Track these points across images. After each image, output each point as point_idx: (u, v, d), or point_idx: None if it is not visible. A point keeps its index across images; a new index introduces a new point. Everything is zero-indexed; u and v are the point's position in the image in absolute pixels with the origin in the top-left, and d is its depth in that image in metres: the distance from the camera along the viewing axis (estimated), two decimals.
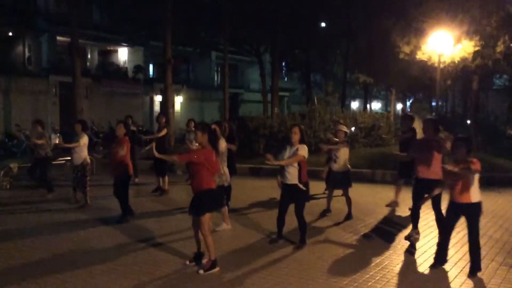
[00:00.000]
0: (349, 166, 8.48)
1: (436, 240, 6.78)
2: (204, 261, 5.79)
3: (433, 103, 32.52)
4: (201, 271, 5.59)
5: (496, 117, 25.63)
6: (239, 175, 11.32)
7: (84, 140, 9.48)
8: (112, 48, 31.11)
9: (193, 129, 11.97)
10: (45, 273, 5.58)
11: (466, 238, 6.95)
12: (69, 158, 9.97)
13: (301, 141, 6.59)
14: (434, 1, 16.73)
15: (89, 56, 29.77)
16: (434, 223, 7.05)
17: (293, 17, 24.08)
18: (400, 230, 7.66)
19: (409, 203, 9.25)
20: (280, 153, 6.70)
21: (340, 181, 8.40)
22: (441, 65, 15.91)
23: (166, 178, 10.91)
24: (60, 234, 7.38)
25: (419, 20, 17.00)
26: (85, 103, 22.46)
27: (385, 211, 9.12)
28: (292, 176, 6.51)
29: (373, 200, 10.06)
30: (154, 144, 7.29)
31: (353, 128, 18.38)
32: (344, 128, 8.60)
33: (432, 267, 5.79)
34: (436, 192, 6.28)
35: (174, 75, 20.25)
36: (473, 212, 5.51)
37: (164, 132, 11.11)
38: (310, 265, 5.93)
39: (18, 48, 26.27)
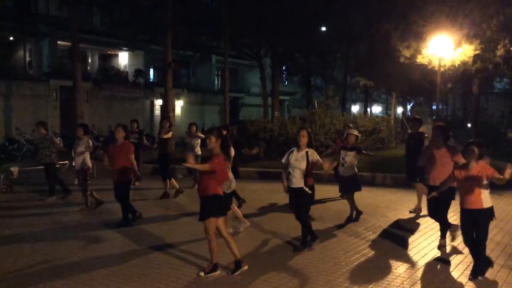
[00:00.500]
0: (356, 170, 8.43)
1: (437, 242, 6.81)
2: (205, 270, 5.69)
3: (434, 107, 32.56)
4: (202, 273, 5.58)
5: (501, 118, 25.56)
6: (250, 178, 11.34)
7: (89, 144, 9.54)
8: (112, 52, 31.20)
9: (198, 134, 11.99)
10: (46, 277, 5.57)
11: None
12: (66, 162, 9.98)
13: (309, 145, 6.56)
14: (434, 5, 16.78)
15: (89, 60, 29.86)
16: (435, 225, 7.06)
17: (293, 21, 24.14)
18: (401, 233, 7.65)
19: (409, 206, 9.33)
20: (286, 156, 6.65)
21: (347, 185, 8.40)
22: (442, 69, 15.94)
23: (167, 182, 10.92)
24: (60, 237, 7.36)
25: (419, 24, 17.04)
26: (86, 107, 22.51)
27: (386, 213, 9.10)
28: (298, 180, 6.48)
29: (373, 203, 10.04)
30: (191, 157, 6.33)
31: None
32: (355, 132, 8.58)
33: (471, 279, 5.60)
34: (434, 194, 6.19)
35: (174, 79, 20.32)
36: (484, 218, 5.48)
37: (169, 134, 11.13)
38: (311, 268, 5.92)
39: (19, 53, 26.35)
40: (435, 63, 16.02)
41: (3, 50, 25.05)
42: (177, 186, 10.91)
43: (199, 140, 11.88)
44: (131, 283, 5.37)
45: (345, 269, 5.88)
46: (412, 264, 6.14)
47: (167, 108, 18.64)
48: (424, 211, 8.33)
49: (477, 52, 16.21)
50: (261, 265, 5.99)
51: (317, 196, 7.19)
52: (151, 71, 33.48)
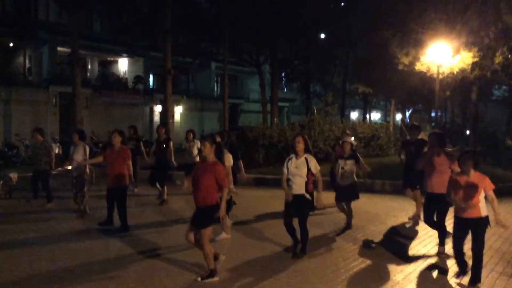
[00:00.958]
0: (355, 178, 8.43)
1: (436, 249, 6.82)
2: (203, 275, 5.70)
3: (433, 114, 32.61)
4: (199, 279, 5.58)
5: (500, 125, 25.65)
6: (246, 185, 11.32)
7: (85, 150, 9.52)
8: (112, 59, 31.26)
9: (195, 141, 11.95)
10: (44, 283, 5.56)
11: (465, 248, 6.97)
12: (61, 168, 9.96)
13: (306, 151, 6.59)
14: (433, 13, 16.87)
15: (89, 67, 29.90)
16: (434, 232, 7.06)
17: (292, 27, 24.24)
18: (400, 240, 7.66)
19: (409, 213, 9.32)
20: (285, 165, 6.63)
21: (346, 193, 8.33)
22: (440, 76, 16.00)
23: (165, 188, 10.90)
24: (58, 244, 7.33)
25: (418, 32, 17.13)
26: (85, 113, 22.53)
27: (385, 220, 9.11)
28: (299, 186, 6.50)
29: (373, 210, 10.05)
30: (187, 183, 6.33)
31: (352, 138, 18.39)
32: (350, 140, 8.58)
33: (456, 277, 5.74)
34: None
35: (174, 86, 20.36)
36: (481, 226, 5.51)
37: (171, 147, 11.14)
38: (310, 274, 5.92)
39: (18, 59, 26.38)
40: (434, 70, 16.09)
41: (3, 56, 25.09)
42: (166, 197, 10.84)
43: (196, 147, 11.87)
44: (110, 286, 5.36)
45: (344, 276, 5.88)
46: (410, 271, 6.14)
47: (166, 115, 18.67)
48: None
49: (475, 59, 16.27)
50: (259, 271, 5.99)
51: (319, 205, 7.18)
52: (151, 77, 33.53)
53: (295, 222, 6.69)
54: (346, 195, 8.34)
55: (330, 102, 19.84)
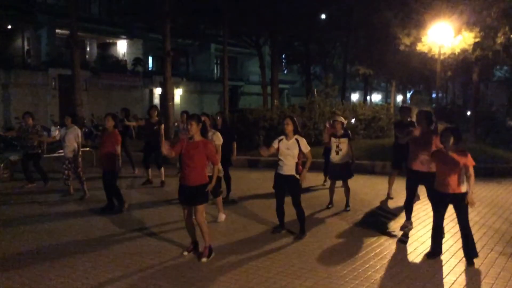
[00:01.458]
0: (350, 157, 8.46)
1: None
2: (201, 248, 5.89)
3: (433, 95, 32.51)
4: (204, 259, 5.68)
5: (501, 106, 25.54)
6: (238, 167, 11.36)
7: (77, 133, 9.60)
8: (111, 41, 31.04)
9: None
10: (37, 260, 5.64)
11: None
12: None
13: (296, 132, 6.65)
14: None
15: (88, 49, 29.71)
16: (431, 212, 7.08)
17: (292, 8, 23.97)
18: (397, 220, 7.68)
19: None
20: (276, 141, 6.71)
21: (340, 172, 8.40)
22: (442, 57, 15.88)
23: (162, 169, 10.93)
24: (58, 224, 7.42)
25: (419, 12, 16.92)
26: (85, 96, 22.47)
27: (385, 202, 9.15)
28: (290, 167, 6.58)
29: (372, 191, 10.07)
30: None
31: (353, 120, 18.36)
32: (341, 119, 8.61)
33: (428, 257, 5.81)
34: None
35: (173, 68, 20.22)
36: (460, 202, 5.60)
37: (162, 128, 11.13)
38: (310, 255, 5.96)
39: (17, 41, 26.21)
40: (435, 51, 15.95)
41: (1, 39, 24.93)
42: (150, 177, 10.95)
43: None
44: (130, 268, 5.41)
45: (344, 256, 5.92)
46: (410, 251, 6.18)
47: (166, 97, 18.55)
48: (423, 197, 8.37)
49: (477, 39, 16.10)
50: (260, 252, 6.03)
51: (308, 183, 7.25)
52: (150, 59, 33.35)
53: (286, 205, 6.83)
54: (340, 173, 8.40)
55: (331, 84, 19.74)
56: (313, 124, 16.64)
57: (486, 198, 9.40)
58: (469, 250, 5.64)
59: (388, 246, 6.35)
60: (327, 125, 10.43)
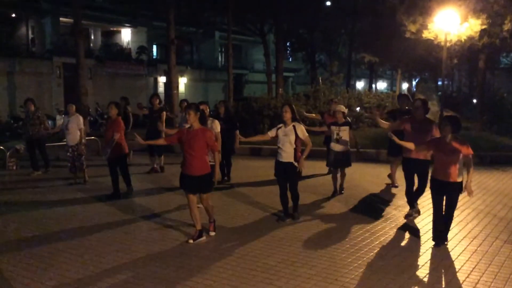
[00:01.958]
0: (350, 145, 8.48)
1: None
2: (210, 229, 6.24)
3: (439, 83, 32.27)
4: (190, 241, 5.96)
5: (508, 93, 25.29)
6: (241, 155, 11.39)
7: (80, 120, 9.80)
8: (115, 29, 30.92)
9: None
10: (43, 243, 5.69)
11: (470, 217, 7.04)
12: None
13: (293, 119, 6.74)
14: None
15: (92, 37, 29.62)
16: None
17: None
18: (402, 209, 7.68)
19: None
20: (274, 130, 6.87)
21: (341, 160, 8.44)
22: (448, 44, 15.71)
23: (162, 157, 11.11)
24: (63, 211, 7.48)
25: None
26: (89, 84, 22.46)
27: (389, 190, 9.15)
28: (289, 154, 6.68)
29: (377, 180, 10.06)
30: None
31: (358, 108, 18.30)
32: (342, 109, 8.60)
33: (435, 246, 5.82)
34: None
35: (177, 56, 20.18)
36: (454, 190, 5.66)
37: (164, 116, 11.14)
38: (314, 243, 5.98)
39: (21, 30, 26.16)
40: (441, 38, 15.79)
41: (6, 27, 24.90)
42: (155, 165, 11.10)
43: None
44: (134, 253, 5.45)
45: (350, 242, 5.93)
46: (413, 238, 6.18)
47: (170, 86, 18.54)
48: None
49: (484, 26, 15.93)
50: (263, 239, 6.06)
51: (309, 171, 7.29)
52: (154, 48, 33.23)
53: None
54: (340, 161, 8.43)
55: (336, 72, 19.67)
56: (318, 113, 16.57)
57: (491, 186, 9.37)
58: (445, 233, 5.84)
59: (392, 235, 6.36)
60: (325, 115, 10.39)
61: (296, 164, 6.67)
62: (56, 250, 5.73)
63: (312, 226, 6.74)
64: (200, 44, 36.01)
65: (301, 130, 6.69)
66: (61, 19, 25.86)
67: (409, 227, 6.68)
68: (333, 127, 8.44)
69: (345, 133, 8.34)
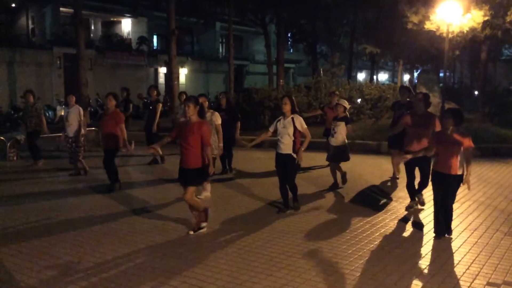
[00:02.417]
0: (346, 140, 8.45)
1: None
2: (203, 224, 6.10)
3: (441, 74, 32.17)
4: (191, 232, 5.94)
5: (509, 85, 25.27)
6: (241, 146, 11.36)
7: (80, 112, 9.76)
8: (115, 19, 30.76)
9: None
10: (38, 234, 5.71)
11: (470, 209, 7.03)
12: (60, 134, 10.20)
13: (293, 111, 6.75)
14: None
15: (92, 28, 29.48)
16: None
17: None
18: (402, 201, 7.69)
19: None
20: (274, 124, 6.90)
21: (337, 155, 8.43)
22: (450, 35, 15.64)
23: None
24: (63, 202, 7.50)
25: None
26: (90, 75, 22.39)
27: (390, 182, 9.14)
28: (287, 146, 6.70)
29: (378, 172, 10.06)
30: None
31: (359, 100, 18.24)
32: (345, 103, 8.57)
33: (435, 238, 5.82)
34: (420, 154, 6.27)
35: (178, 47, 20.09)
36: (453, 183, 5.64)
37: (159, 107, 11.11)
38: (315, 234, 5.98)
39: (21, 20, 26.04)
40: (443, 29, 15.71)
41: (6, 18, 24.79)
42: (156, 156, 10.99)
43: None
44: (128, 246, 5.46)
45: (350, 234, 5.94)
46: (414, 230, 6.18)
47: (171, 76, 18.45)
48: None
49: (486, 18, 15.85)
50: (264, 230, 6.06)
51: (309, 163, 7.31)
52: (155, 38, 33.07)
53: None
54: (336, 155, 8.43)
55: (337, 63, 19.59)
56: (319, 104, 16.54)
57: (492, 178, 9.36)
58: (448, 227, 5.82)
59: (393, 226, 6.36)
60: (326, 108, 10.36)
61: (294, 155, 6.68)
62: (56, 240, 5.74)
63: (312, 217, 6.74)
64: (201, 34, 35.86)
65: (300, 122, 6.70)
66: (61, 9, 25.73)
67: (410, 219, 6.68)
68: (332, 122, 8.50)
69: (340, 128, 8.33)
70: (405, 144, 6.91)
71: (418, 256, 5.29)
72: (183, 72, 30.90)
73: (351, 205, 7.48)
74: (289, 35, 35.88)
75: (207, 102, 7.87)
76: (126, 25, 31.07)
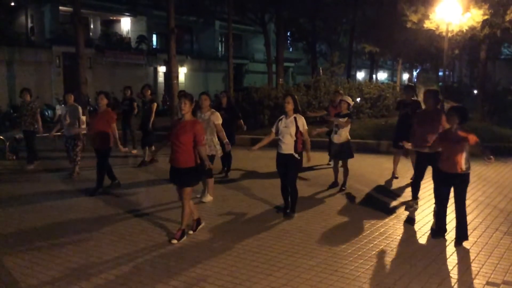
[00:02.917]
0: (348, 137, 8.42)
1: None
2: (176, 236, 5.73)
3: (440, 73, 32.17)
4: (175, 241, 5.62)
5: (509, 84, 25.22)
6: (241, 145, 11.35)
7: (78, 110, 9.70)
8: (114, 18, 30.73)
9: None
10: (44, 240, 5.70)
11: (470, 208, 7.04)
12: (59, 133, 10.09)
13: (295, 110, 6.66)
14: None
15: (91, 26, 29.45)
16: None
17: None
18: (402, 200, 7.69)
19: (411, 174, 9.32)
20: (275, 125, 6.76)
21: (341, 152, 8.37)
22: (449, 34, 15.63)
23: (153, 148, 10.89)
24: (59, 203, 7.49)
25: None
26: (89, 73, 22.37)
27: (389, 181, 9.14)
28: (288, 146, 6.58)
29: (377, 171, 10.06)
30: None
31: (358, 99, 18.24)
32: (348, 100, 8.52)
33: (433, 237, 5.82)
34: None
35: (177, 46, 20.04)
36: (462, 182, 5.56)
37: (154, 106, 11.07)
38: (314, 234, 5.98)
39: (20, 19, 25.99)
40: (443, 28, 15.69)
41: (5, 16, 24.72)
42: (152, 156, 10.82)
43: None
44: (121, 248, 5.45)
45: (348, 235, 5.93)
46: (413, 231, 6.18)
47: (170, 75, 18.43)
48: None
49: (485, 17, 15.83)
50: (265, 231, 6.06)
51: (308, 163, 7.25)
52: (154, 37, 33.04)
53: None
54: (341, 153, 8.35)
55: (336, 62, 19.55)
56: (319, 103, 16.55)
57: (491, 177, 9.37)
58: (463, 232, 5.61)
59: (392, 226, 6.36)
60: (330, 107, 10.34)
61: (296, 155, 6.58)
62: (57, 241, 5.74)
63: (311, 217, 6.74)
64: (200, 33, 35.83)
65: (302, 122, 6.61)
66: (60, 7, 25.69)
67: (414, 220, 6.64)
68: (334, 118, 8.43)
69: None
70: (415, 143, 6.78)
71: (418, 256, 5.28)
72: (182, 71, 30.88)
73: (351, 205, 7.48)
74: (288, 34, 35.87)
75: (209, 101, 7.75)
76: (126, 24, 31.04)
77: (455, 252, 5.39)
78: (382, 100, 19.34)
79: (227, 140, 7.53)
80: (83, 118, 10.48)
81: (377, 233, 6.03)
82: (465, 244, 5.59)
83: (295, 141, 6.56)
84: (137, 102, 12.94)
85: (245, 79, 36.82)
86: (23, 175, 9.81)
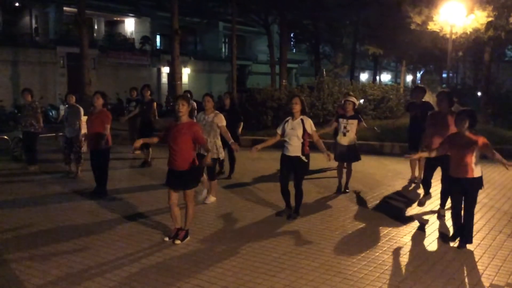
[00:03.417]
0: (356, 139, 8.35)
1: (448, 213, 6.80)
2: (179, 236, 5.71)
3: (444, 75, 32.09)
4: (178, 241, 5.62)
5: None
6: (244, 147, 11.34)
7: (80, 111, 9.64)
8: (118, 19, 30.85)
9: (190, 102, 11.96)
10: (39, 245, 5.70)
11: (479, 213, 7.00)
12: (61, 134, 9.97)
13: (303, 112, 6.56)
14: None
15: (96, 27, 29.57)
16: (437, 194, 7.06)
17: None
18: (406, 202, 7.68)
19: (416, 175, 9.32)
20: (281, 126, 6.66)
21: (349, 154, 8.26)
22: (453, 36, 15.62)
23: (150, 150, 10.82)
24: (56, 205, 7.46)
25: None
26: (93, 74, 22.44)
27: (393, 183, 9.13)
28: (295, 148, 6.48)
29: (381, 172, 10.05)
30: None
31: (362, 100, 18.23)
32: (353, 99, 8.46)
33: (443, 241, 5.78)
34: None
35: (181, 47, 20.09)
36: (473, 187, 5.49)
37: (155, 105, 11.11)
38: (317, 236, 5.98)
39: (25, 19, 26.12)
40: (447, 30, 15.70)
41: (9, 17, 24.84)
42: (149, 159, 10.79)
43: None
44: (115, 252, 5.46)
45: (353, 237, 5.94)
46: (419, 233, 6.18)
47: (174, 76, 18.49)
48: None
49: (490, 19, 15.82)
50: (268, 234, 6.06)
51: (314, 165, 7.23)
52: (158, 38, 33.14)
53: (290, 186, 6.72)
54: (347, 155, 8.24)
55: (340, 63, 19.59)
56: (322, 104, 16.55)
57: (495, 180, 9.35)
58: (467, 235, 5.55)
59: (398, 228, 6.35)
60: (339, 110, 10.25)
61: (303, 158, 6.49)
62: (59, 243, 5.71)
63: (315, 219, 6.74)
64: (204, 34, 35.91)
65: (309, 124, 6.50)
66: (64, 8, 25.82)
67: (425, 224, 6.62)
68: (341, 120, 8.26)
69: (352, 126, 8.14)
70: (425, 145, 6.77)
71: (421, 258, 5.28)
72: (186, 72, 30.94)
73: (354, 207, 7.47)
74: (292, 35, 35.90)
75: (212, 102, 7.66)
76: (130, 25, 31.15)
77: (459, 254, 5.38)
78: (385, 101, 19.32)
79: (233, 141, 7.38)
80: (85, 119, 10.42)
81: (381, 235, 6.02)
82: (469, 246, 5.58)
83: (302, 143, 6.46)
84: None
85: (249, 80, 36.87)
86: (25, 176, 9.74)
